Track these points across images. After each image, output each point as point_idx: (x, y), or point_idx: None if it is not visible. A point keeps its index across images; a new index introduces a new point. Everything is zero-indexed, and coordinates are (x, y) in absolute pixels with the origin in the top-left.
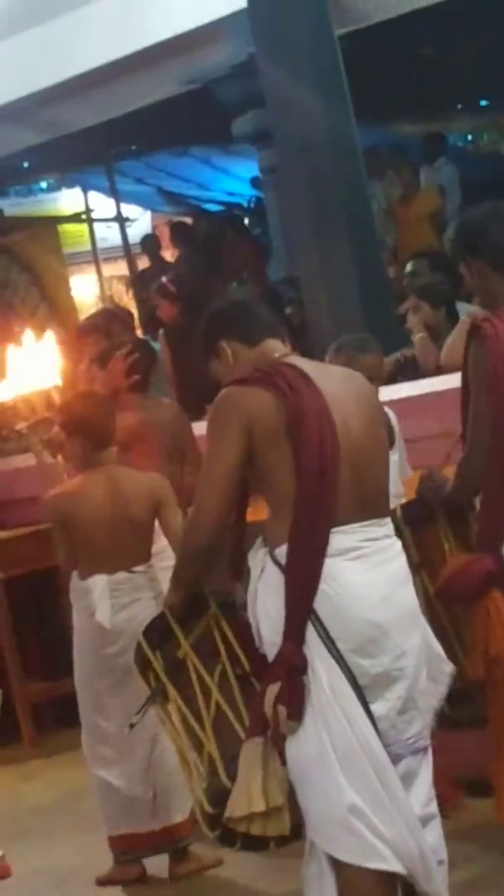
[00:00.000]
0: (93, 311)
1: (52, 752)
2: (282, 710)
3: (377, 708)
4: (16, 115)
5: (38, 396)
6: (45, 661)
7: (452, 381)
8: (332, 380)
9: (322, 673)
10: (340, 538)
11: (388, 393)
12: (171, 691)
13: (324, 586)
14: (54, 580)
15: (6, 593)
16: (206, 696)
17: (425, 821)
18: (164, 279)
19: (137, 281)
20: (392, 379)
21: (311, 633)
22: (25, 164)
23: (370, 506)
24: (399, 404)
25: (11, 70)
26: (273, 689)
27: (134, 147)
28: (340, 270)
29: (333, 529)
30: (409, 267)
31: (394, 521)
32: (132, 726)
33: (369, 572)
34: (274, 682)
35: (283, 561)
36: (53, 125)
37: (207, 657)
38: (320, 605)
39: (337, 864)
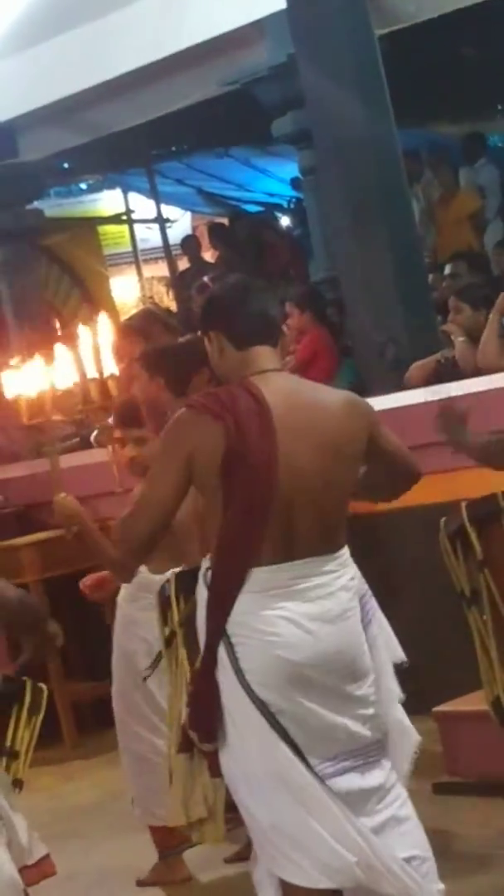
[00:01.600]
0: (133, 311)
1: (93, 753)
2: (193, 734)
3: (293, 736)
4: (56, 117)
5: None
6: (86, 661)
7: (492, 381)
8: (299, 407)
9: (233, 700)
10: (264, 576)
11: (429, 394)
12: (181, 647)
13: (236, 618)
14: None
15: (46, 593)
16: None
17: (381, 828)
18: (204, 279)
19: (177, 282)
20: (433, 380)
21: (223, 660)
22: (66, 166)
23: (311, 544)
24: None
25: (52, 72)
26: (187, 712)
27: (174, 148)
28: (380, 271)
29: (257, 568)
30: (448, 269)
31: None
32: (145, 679)
33: (290, 610)
34: (188, 704)
35: (207, 581)
36: (94, 126)
37: (194, 640)
38: (234, 635)
39: (276, 877)
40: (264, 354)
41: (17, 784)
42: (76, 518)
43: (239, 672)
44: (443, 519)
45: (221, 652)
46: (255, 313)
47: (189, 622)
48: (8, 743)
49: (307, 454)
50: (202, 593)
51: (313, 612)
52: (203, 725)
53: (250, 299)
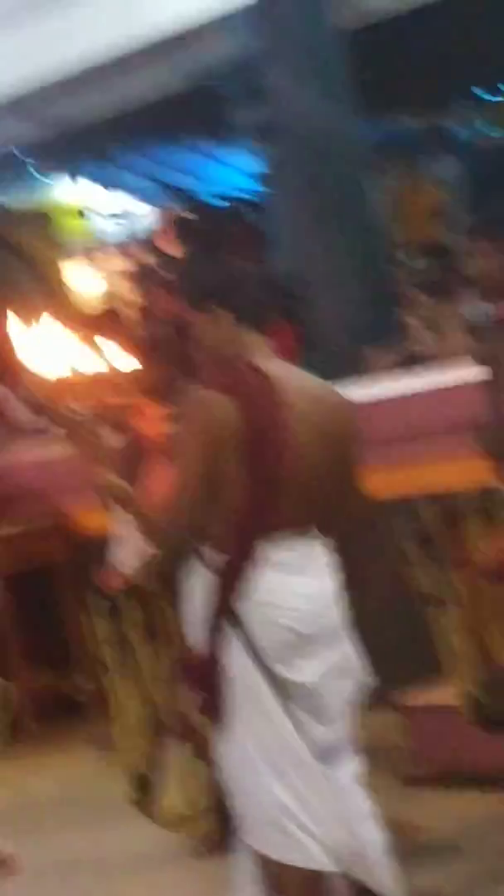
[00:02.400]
0: (96, 304)
1: (52, 746)
2: (203, 718)
3: (297, 712)
4: (16, 110)
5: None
6: (46, 653)
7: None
8: (301, 392)
9: (244, 678)
10: (272, 550)
11: (393, 387)
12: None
13: (250, 595)
14: (55, 575)
15: (10, 589)
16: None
17: (364, 818)
18: (166, 273)
19: (141, 275)
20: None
21: (234, 638)
22: (27, 160)
23: (309, 521)
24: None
25: (12, 64)
26: (194, 698)
27: (135, 141)
28: (343, 264)
29: (266, 543)
30: (421, 264)
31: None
32: None
33: (299, 585)
34: (195, 689)
35: (213, 564)
36: (55, 120)
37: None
38: (245, 612)
39: (266, 863)
40: (260, 339)
41: None
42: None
43: (250, 646)
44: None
45: (229, 628)
46: (254, 297)
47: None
48: None
49: (312, 434)
50: (199, 575)
51: (314, 586)
52: (216, 707)
53: (249, 283)
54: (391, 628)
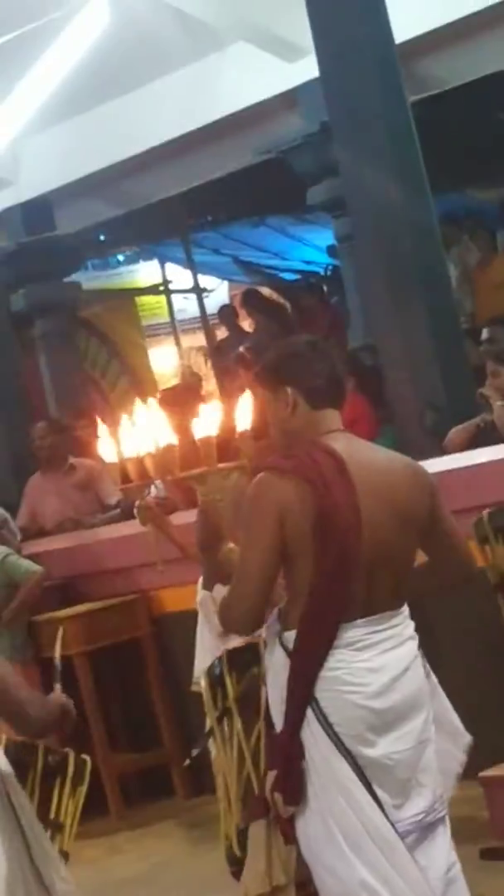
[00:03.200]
0: (172, 382)
1: (139, 825)
2: (278, 796)
3: (377, 790)
4: (93, 189)
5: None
6: (130, 732)
7: None
8: (371, 468)
9: (321, 757)
10: (349, 631)
11: (468, 458)
12: (237, 720)
13: (325, 674)
14: (138, 651)
15: (90, 665)
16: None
17: (447, 885)
18: (241, 348)
19: (216, 351)
20: (472, 445)
21: (310, 718)
22: (102, 237)
23: (386, 599)
24: (479, 469)
25: (89, 144)
26: (271, 776)
27: (210, 218)
28: (418, 337)
29: (343, 623)
30: (485, 333)
31: (482, 529)
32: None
33: (373, 661)
34: (272, 767)
35: (290, 646)
36: (130, 198)
37: (251, 714)
38: (321, 691)
39: None
40: (333, 415)
41: (63, 856)
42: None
43: (327, 726)
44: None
45: (308, 709)
46: (327, 372)
47: (244, 696)
48: (52, 815)
49: (384, 513)
50: (278, 657)
51: (390, 661)
52: (290, 786)
53: (323, 358)
54: (473, 695)
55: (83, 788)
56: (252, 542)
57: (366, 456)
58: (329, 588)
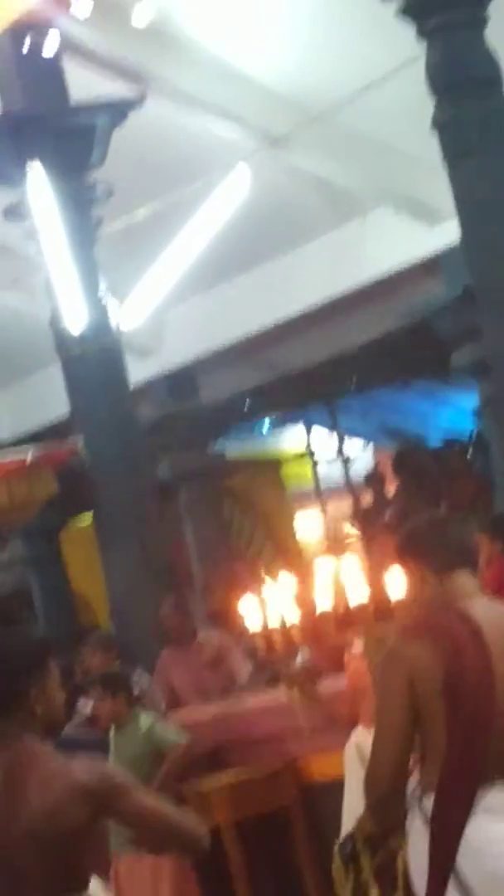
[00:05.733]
0: (318, 548)
1: None
2: None
3: None
4: (237, 357)
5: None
6: None
7: None
8: None
9: None
10: (487, 796)
11: None
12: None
13: (466, 843)
14: (286, 821)
15: (238, 835)
16: None
17: None
18: (386, 517)
19: (361, 518)
20: None
21: (451, 889)
22: (247, 405)
23: None
24: None
25: (232, 312)
26: None
27: (354, 382)
28: None
29: (478, 786)
30: None
31: None
32: None
33: None
34: None
35: (428, 812)
36: (274, 365)
37: (388, 887)
38: (462, 860)
39: None
40: (464, 579)
41: None
42: None
43: (467, 891)
44: None
45: (446, 877)
46: (453, 544)
47: (380, 869)
48: None
49: None
50: (418, 824)
51: None
52: None
53: (449, 531)
54: None
55: None
56: (385, 707)
57: (501, 618)
58: (462, 753)
